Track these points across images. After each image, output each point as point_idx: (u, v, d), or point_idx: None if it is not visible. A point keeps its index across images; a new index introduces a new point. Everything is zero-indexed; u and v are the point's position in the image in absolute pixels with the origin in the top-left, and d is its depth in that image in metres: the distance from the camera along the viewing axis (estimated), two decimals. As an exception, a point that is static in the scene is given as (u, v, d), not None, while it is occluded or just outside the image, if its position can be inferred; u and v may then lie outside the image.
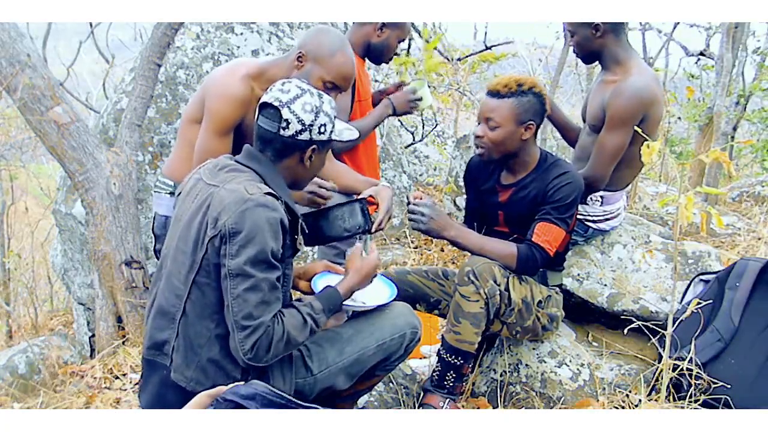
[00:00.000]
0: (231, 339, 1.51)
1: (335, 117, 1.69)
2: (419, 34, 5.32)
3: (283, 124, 1.61)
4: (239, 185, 1.53)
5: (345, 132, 1.74)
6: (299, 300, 1.68)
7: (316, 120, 1.62)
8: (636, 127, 2.14)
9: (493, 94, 2.12)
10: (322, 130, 1.64)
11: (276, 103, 1.61)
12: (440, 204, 4.45)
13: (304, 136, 1.62)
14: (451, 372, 2.08)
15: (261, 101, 1.65)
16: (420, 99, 2.56)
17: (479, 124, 2.17)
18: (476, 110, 6.57)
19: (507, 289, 2.07)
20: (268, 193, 1.54)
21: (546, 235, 2.09)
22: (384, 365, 1.83)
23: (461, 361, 2.06)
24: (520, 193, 2.19)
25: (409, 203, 2.14)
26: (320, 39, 2.04)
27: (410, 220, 2.14)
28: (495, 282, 2.02)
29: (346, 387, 1.77)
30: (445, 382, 2.09)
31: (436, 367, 2.11)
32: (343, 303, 1.73)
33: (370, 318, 1.80)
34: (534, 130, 2.14)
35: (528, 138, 2.13)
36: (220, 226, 1.49)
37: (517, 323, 2.15)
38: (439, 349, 2.12)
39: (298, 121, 1.60)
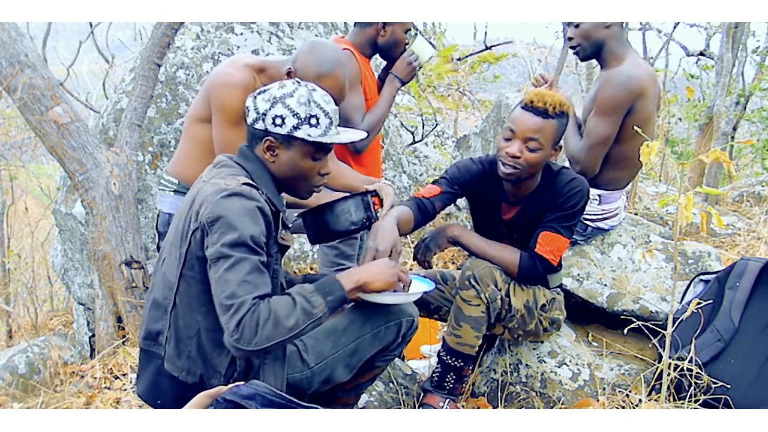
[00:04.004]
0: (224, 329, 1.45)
1: (311, 117, 1.59)
2: (420, 35, 5.32)
3: (246, 111, 1.63)
4: (221, 179, 1.55)
5: (340, 135, 1.66)
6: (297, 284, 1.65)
7: (270, 110, 1.58)
8: (636, 128, 2.15)
9: (540, 112, 1.93)
10: (278, 121, 1.58)
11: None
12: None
13: (260, 125, 1.60)
14: (451, 374, 2.07)
15: None
16: (418, 57, 2.54)
17: (508, 140, 1.98)
18: (476, 110, 6.58)
19: (507, 295, 2.05)
20: (246, 184, 1.54)
21: (550, 245, 2.03)
22: (383, 356, 1.83)
23: (461, 363, 2.05)
24: (528, 210, 2.11)
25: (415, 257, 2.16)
26: (309, 60, 2.00)
27: (415, 249, 2.15)
28: (496, 287, 2.00)
29: (347, 378, 1.77)
30: (445, 383, 2.09)
31: (436, 368, 2.11)
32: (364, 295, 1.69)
33: (366, 308, 1.79)
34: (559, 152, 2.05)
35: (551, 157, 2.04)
36: (200, 218, 1.50)
37: (519, 327, 2.14)
38: (439, 351, 2.11)
39: (254, 109, 1.61)
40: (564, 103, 1.96)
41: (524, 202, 2.11)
